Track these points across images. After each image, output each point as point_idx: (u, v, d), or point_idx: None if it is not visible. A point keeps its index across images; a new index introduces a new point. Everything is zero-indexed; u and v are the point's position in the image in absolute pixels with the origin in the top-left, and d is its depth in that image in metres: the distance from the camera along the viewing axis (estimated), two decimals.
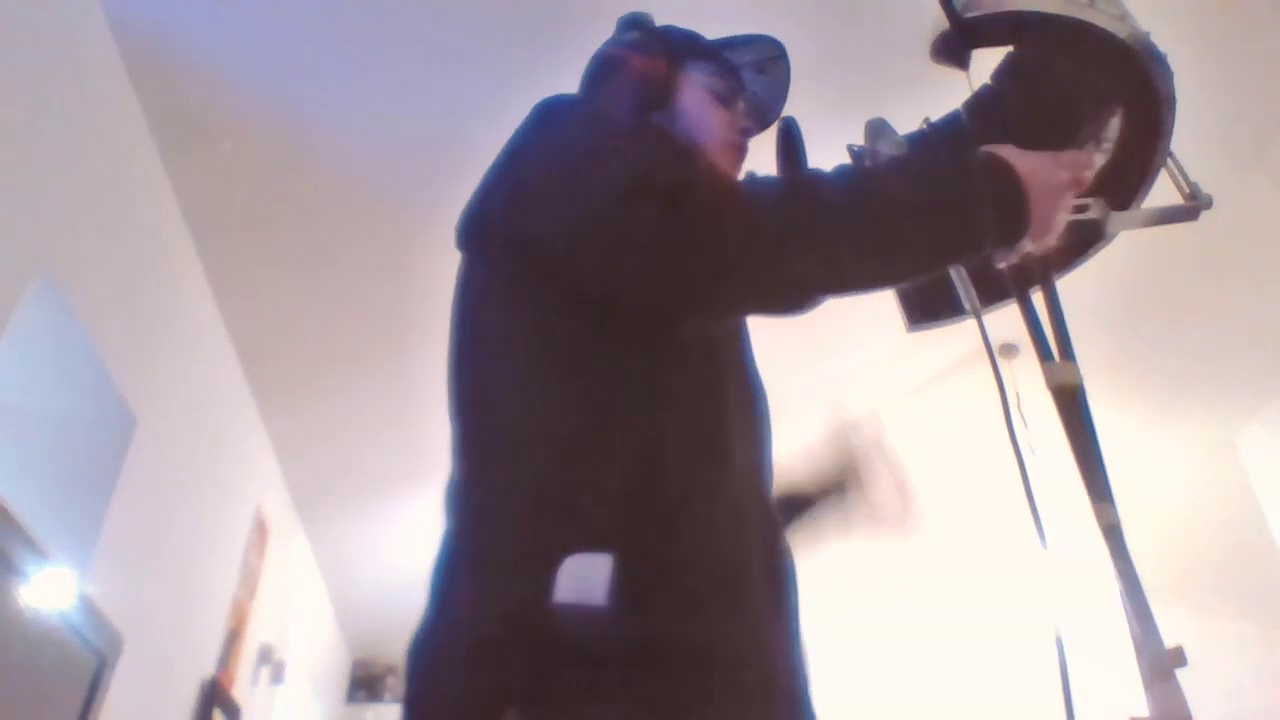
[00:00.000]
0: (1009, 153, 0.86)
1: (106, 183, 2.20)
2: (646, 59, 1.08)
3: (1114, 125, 1.04)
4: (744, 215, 0.80)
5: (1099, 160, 1.01)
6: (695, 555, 0.76)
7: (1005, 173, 0.84)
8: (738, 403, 0.89)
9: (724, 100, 1.10)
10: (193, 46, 2.18)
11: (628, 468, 0.77)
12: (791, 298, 0.84)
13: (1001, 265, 0.98)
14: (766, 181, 0.89)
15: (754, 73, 1.15)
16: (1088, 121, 1.03)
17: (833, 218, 0.81)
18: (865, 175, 0.87)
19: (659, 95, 1.07)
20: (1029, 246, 0.88)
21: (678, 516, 0.77)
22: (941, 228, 0.84)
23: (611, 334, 0.83)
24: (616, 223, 0.81)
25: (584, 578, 0.71)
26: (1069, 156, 0.89)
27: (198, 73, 2.23)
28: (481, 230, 0.94)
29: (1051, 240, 0.87)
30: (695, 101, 1.08)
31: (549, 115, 0.95)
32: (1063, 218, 0.86)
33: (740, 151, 1.10)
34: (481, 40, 2.19)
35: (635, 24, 1.15)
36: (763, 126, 1.17)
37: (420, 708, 0.76)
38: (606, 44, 1.15)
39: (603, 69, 1.12)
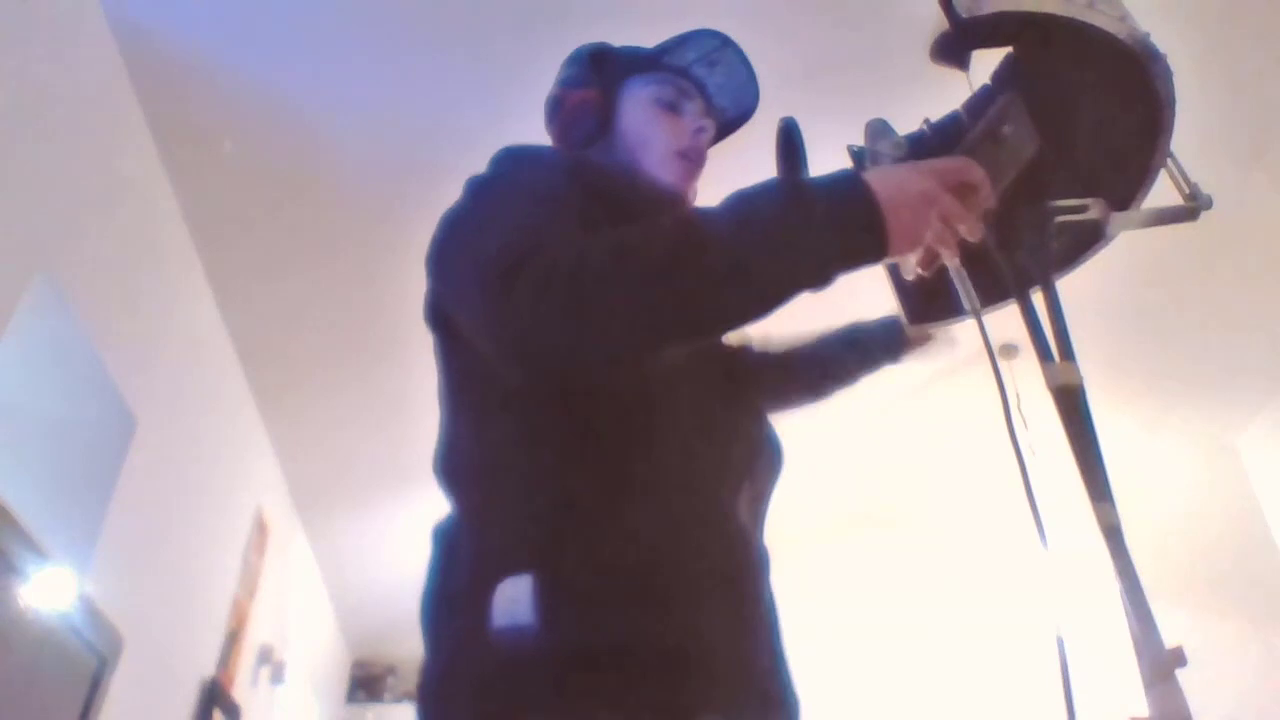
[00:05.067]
0: (868, 172, 0.84)
1: (106, 183, 2.20)
2: (579, 92, 1.11)
3: (1015, 118, 1.02)
4: (570, 286, 0.77)
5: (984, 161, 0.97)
6: (614, 566, 0.78)
7: (850, 189, 0.82)
8: (691, 431, 0.89)
9: (673, 106, 1.11)
10: (193, 46, 2.18)
11: (548, 495, 0.82)
12: (628, 351, 0.81)
13: (909, 277, 0.99)
14: (603, 243, 0.83)
15: (706, 68, 1.15)
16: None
17: (662, 272, 0.78)
18: (696, 224, 0.83)
19: (596, 125, 1.09)
20: (904, 256, 0.87)
21: (593, 532, 0.79)
22: (778, 262, 0.80)
23: (534, 387, 0.86)
24: (472, 301, 0.85)
25: (513, 599, 0.74)
26: (931, 164, 0.87)
27: (198, 73, 2.23)
28: (430, 301, 0.99)
29: (915, 247, 0.84)
30: (638, 118, 1.10)
31: (471, 188, 0.96)
32: (932, 227, 0.84)
33: (690, 157, 1.09)
34: (479, 42, 2.19)
35: (574, 60, 1.16)
36: (742, 113, 1.19)
37: None
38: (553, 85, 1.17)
39: (547, 113, 1.15)
